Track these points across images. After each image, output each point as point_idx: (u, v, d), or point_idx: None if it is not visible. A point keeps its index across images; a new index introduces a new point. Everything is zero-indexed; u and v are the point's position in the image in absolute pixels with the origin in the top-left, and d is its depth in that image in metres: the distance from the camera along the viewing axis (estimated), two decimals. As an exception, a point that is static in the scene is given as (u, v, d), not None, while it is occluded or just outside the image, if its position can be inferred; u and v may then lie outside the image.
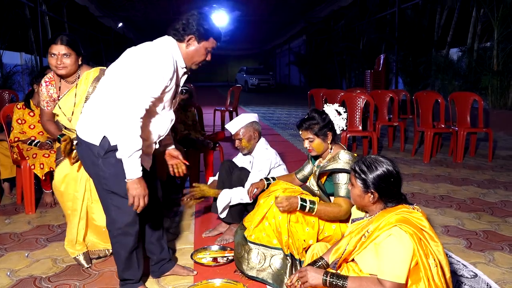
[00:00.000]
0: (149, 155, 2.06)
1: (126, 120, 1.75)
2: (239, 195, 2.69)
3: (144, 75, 1.78)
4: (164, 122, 2.02)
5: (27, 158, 3.36)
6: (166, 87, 1.87)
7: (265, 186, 2.49)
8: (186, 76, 2.06)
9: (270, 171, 2.79)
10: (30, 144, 3.46)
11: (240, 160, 3.03)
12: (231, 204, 2.71)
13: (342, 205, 2.14)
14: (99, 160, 1.90)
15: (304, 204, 2.11)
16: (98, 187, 2.00)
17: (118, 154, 1.80)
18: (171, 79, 1.87)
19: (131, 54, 1.89)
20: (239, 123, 2.86)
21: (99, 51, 18.84)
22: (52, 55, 2.30)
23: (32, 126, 3.55)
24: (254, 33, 27.99)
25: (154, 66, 1.80)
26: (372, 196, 1.62)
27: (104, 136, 1.88)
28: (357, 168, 1.64)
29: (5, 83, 9.69)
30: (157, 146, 2.09)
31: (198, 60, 1.99)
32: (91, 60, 17.23)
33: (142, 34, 22.52)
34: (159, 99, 1.89)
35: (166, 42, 1.92)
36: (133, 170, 1.79)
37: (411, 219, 1.54)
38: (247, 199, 2.65)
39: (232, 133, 2.87)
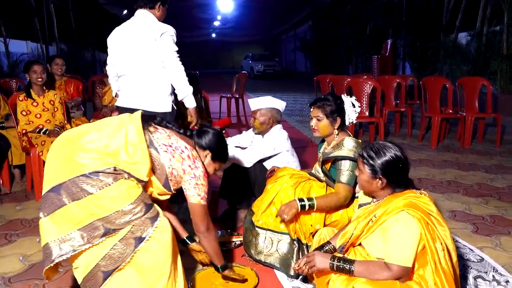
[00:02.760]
0: None
1: (182, 69, 2.67)
2: (243, 156, 2.73)
3: (172, 39, 2.68)
4: None
5: (35, 145, 3.40)
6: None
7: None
8: None
9: (277, 152, 2.79)
10: (39, 132, 3.49)
11: (247, 139, 3.07)
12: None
13: (340, 191, 2.12)
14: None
15: (303, 203, 2.07)
16: None
17: (186, 94, 2.74)
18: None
19: (148, 35, 2.63)
20: (262, 104, 2.84)
21: (104, 39, 18.78)
22: None
23: (38, 116, 3.57)
24: (259, 19, 27.73)
25: (172, 31, 2.69)
26: (380, 181, 1.62)
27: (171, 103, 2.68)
28: (365, 154, 1.64)
29: (12, 71, 9.71)
30: None
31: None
32: (96, 47, 17.24)
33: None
34: None
35: (151, 15, 2.73)
36: (193, 101, 2.81)
37: (418, 204, 1.54)
38: (245, 164, 2.73)
39: (252, 109, 2.89)
